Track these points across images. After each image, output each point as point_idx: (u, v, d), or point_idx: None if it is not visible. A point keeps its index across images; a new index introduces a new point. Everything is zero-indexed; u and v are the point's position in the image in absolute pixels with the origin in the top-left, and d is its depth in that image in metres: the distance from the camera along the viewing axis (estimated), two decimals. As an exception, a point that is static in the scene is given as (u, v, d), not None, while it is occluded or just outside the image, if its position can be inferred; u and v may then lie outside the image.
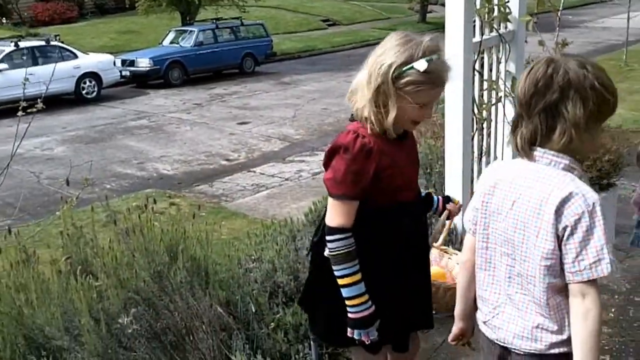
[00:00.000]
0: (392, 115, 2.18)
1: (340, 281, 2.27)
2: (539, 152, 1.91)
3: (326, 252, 2.31)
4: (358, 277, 2.27)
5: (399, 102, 2.18)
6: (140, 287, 2.97)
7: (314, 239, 2.52)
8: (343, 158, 2.22)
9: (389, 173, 2.27)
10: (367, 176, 2.23)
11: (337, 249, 2.26)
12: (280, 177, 10.50)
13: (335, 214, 2.27)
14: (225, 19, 22.62)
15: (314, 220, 4.24)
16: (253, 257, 4.07)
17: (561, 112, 1.85)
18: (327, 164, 2.30)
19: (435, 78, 2.18)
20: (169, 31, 22.14)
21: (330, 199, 2.29)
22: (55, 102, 15.85)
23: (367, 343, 2.33)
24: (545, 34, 4.44)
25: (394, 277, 2.38)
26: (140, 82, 20.04)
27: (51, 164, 11.90)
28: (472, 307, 2.20)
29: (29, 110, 4.59)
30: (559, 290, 1.91)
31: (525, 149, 1.92)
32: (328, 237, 2.27)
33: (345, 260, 2.25)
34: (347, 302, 2.29)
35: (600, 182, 5.14)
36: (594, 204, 1.82)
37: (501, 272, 2.03)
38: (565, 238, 1.84)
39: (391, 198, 2.33)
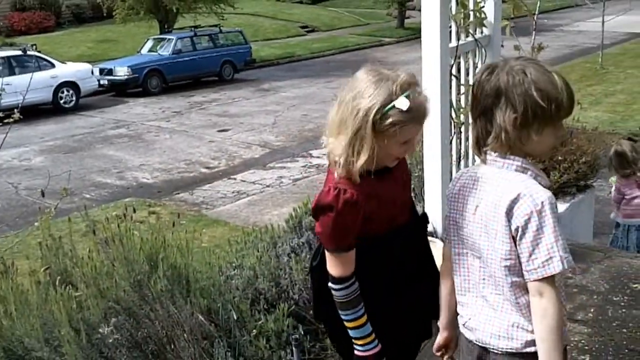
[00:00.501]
0: (361, 160, 2.10)
1: (347, 324, 2.30)
2: (491, 155, 1.97)
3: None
4: (363, 320, 2.27)
5: (380, 142, 2.09)
6: (121, 296, 2.95)
7: (313, 263, 2.49)
8: (329, 216, 2.17)
9: (377, 211, 2.24)
10: (356, 225, 2.21)
11: (340, 298, 2.27)
12: (261, 184, 10.51)
13: (334, 265, 2.26)
14: (204, 27, 22.59)
15: (295, 226, 4.24)
16: (234, 265, 4.06)
17: (494, 117, 1.91)
18: (315, 217, 2.26)
19: (418, 114, 2.10)
20: (147, 39, 22.06)
21: (327, 252, 2.28)
22: (32, 112, 15.74)
23: None
24: (521, 38, 4.49)
25: (387, 299, 2.37)
26: (118, 90, 19.94)
27: (29, 175, 11.81)
28: (455, 316, 2.22)
29: (5, 121, 4.56)
30: (526, 289, 1.94)
31: (475, 152, 2.04)
32: (332, 286, 2.28)
33: (348, 307, 2.26)
34: (354, 342, 2.31)
35: (577, 184, 5.21)
36: (542, 202, 1.85)
37: (475, 276, 2.07)
38: (518, 238, 1.89)
39: (385, 227, 2.31)
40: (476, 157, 4.51)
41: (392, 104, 2.04)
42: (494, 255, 1.96)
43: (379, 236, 2.30)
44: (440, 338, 2.30)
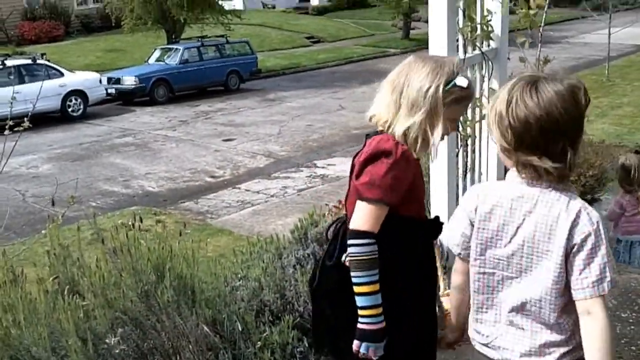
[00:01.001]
0: (439, 132, 2.28)
1: (357, 288, 2.23)
2: (533, 174, 1.92)
3: (345, 258, 2.31)
4: (377, 287, 2.23)
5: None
6: (128, 306, 2.97)
7: (328, 262, 2.44)
8: (384, 162, 2.22)
9: (419, 184, 2.36)
10: (406, 182, 2.26)
11: (361, 254, 2.22)
12: (265, 194, 10.52)
13: (366, 219, 2.24)
14: (211, 37, 22.68)
15: (300, 237, 4.25)
16: (239, 275, 4.07)
17: (563, 133, 1.86)
18: (362, 170, 2.28)
19: (472, 91, 2.37)
20: (155, 49, 22.17)
21: (362, 203, 2.25)
22: (41, 120, 15.80)
23: (373, 359, 2.27)
24: (527, 50, 4.51)
25: (406, 294, 2.37)
26: (126, 99, 20.03)
27: (37, 182, 11.85)
28: (466, 319, 2.27)
29: (16, 129, 4.59)
30: (567, 307, 1.95)
31: (534, 174, 1.91)
32: (353, 241, 2.23)
33: (367, 267, 2.21)
34: (360, 312, 2.25)
35: (584, 198, 5.19)
36: (597, 222, 1.88)
37: (502, 295, 2.03)
38: (572, 256, 1.89)
39: (414, 212, 2.37)
40: (483, 170, 4.52)
41: (453, 82, 2.25)
42: (541, 277, 1.93)
43: (408, 220, 2.34)
44: (450, 336, 2.39)
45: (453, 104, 2.27)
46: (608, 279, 1.87)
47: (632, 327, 3.90)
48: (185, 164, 12.76)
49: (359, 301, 2.24)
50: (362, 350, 2.25)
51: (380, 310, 2.24)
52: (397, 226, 2.30)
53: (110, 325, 2.93)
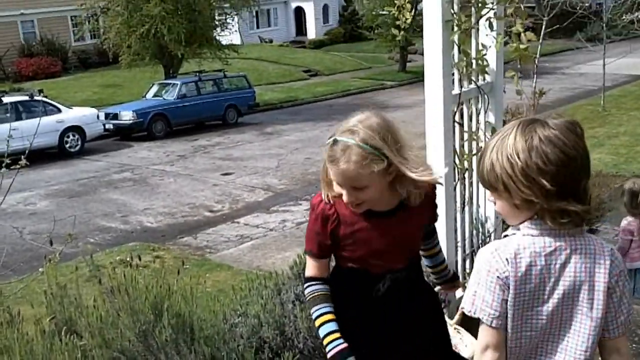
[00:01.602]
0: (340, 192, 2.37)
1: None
2: (561, 225, 1.86)
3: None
4: (324, 318, 2.39)
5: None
6: (126, 346, 2.94)
7: None
8: (310, 216, 2.42)
9: (349, 243, 2.39)
10: (325, 239, 2.38)
11: (306, 295, 2.47)
12: (264, 228, 10.50)
13: (308, 266, 2.49)
14: (208, 72, 22.85)
15: (299, 273, 4.22)
16: (238, 312, 4.04)
17: (585, 170, 1.84)
18: None
19: (331, 153, 2.26)
20: (152, 84, 22.31)
21: None
22: (38, 156, 15.84)
23: None
24: (523, 81, 4.53)
25: (367, 344, 2.45)
26: (123, 135, 20.11)
27: (34, 219, 11.83)
28: None
29: (12, 167, 4.59)
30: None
31: (554, 218, 1.84)
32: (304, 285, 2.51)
33: (310, 305, 2.43)
34: (322, 342, 2.42)
35: (582, 229, 5.18)
36: (622, 260, 1.90)
37: (545, 352, 1.96)
38: (609, 297, 1.88)
39: (358, 265, 2.44)
40: (481, 202, 4.51)
41: (332, 139, 2.25)
42: (588, 326, 1.88)
43: (354, 271, 2.44)
44: None
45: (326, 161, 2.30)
46: (632, 313, 1.91)
47: (633, 358, 3.88)
48: (183, 198, 12.75)
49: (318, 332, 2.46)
50: None
51: (332, 337, 2.37)
52: (337, 277, 2.49)
53: (108, 365, 2.91)
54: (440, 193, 4.01)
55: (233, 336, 3.66)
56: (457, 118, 4.20)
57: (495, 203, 1.96)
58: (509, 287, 1.86)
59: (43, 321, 3.13)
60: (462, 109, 4.31)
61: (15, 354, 2.71)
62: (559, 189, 1.78)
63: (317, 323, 2.40)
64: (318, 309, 2.40)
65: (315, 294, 2.42)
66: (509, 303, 1.88)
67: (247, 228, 10.58)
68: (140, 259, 5.21)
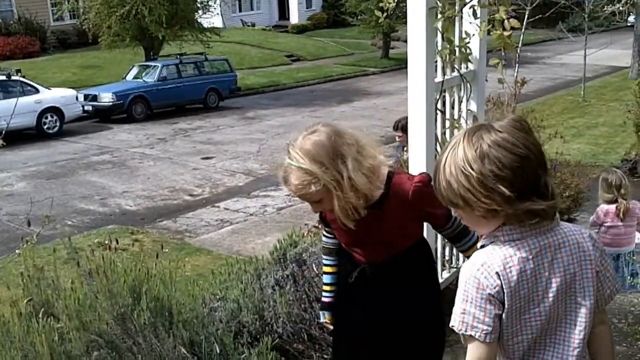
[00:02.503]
0: None
1: None
2: (540, 225, 1.85)
3: None
4: (324, 269, 3.02)
5: None
6: (103, 329, 2.92)
7: None
8: None
9: (334, 228, 2.78)
10: (323, 216, 2.81)
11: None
12: (244, 212, 10.47)
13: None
14: (189, 54, 22.67)
15: (279, 258, 4.23)
16: (217, 296, 4.04)
17: (542, 166, 1.80)
18: None
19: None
20: (133, 66, 22.10)
21: None
22: (16, 137, 15.64)
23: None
24: (504, 70, 4.54)
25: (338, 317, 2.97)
26: (103, 116, 19.91)
27: (11, 200, 11.70)
28: None
29: (-11, 148, 4.53)
30: None
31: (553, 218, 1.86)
32: None
33: (322, 253, 3.04)
34: None
35: (562, 219, 5.22)
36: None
37: (543, 349, 1.94)
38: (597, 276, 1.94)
39: (347, 249, 2.81)
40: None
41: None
42: (578, 314, 1.89)
43: (346, 252, 2.84)
44: None
45: None
46: (617, 287, 1.97)
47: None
48: (163, 182, 12.67)
49: None
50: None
51: (324, 288, 3.02)
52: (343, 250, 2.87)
53: (86, 348, 2.89)
54: (421, 180, 4.01)
55: (212, 320, 3.66)
56: (439, 106, 4.20)
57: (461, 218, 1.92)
58: (502, 301, 1.82)
59: (20, 303, 3.09)
60: (444, 97, 4.31)
61: (-9, 335, 2.69)
62: (519, 192, 1.73)
63: (323, 270, 3.02)
64: (323, 260, 3.02)
65: (324, 245, 3.00)
66: (504, 315, 1.83)
67: (227, 212, 10.55)
68: (118, 242, 5.19)
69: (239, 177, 12.87)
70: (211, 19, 26.92)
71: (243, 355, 3.40)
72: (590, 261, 1.87)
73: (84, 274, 3.09)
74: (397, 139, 6.82)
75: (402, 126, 6.40)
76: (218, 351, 3.34)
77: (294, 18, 44.40)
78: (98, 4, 22.70)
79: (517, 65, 7.23)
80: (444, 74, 4.18)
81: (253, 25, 41.73)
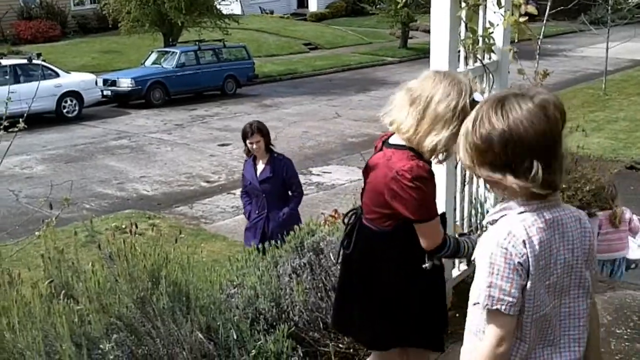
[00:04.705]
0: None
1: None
2: (549, 200, 1.92)
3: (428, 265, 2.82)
4: (451, 250, 2.90)
5: None
6: (123, 312, 2.94)
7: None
8: (425, 186, 2.68)
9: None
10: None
11: (447, 255, 2.89)
12: (261, 200, 10.47)
13: (435, 233, 2.81)
14: (208, 41, 22.69)
15: (297, 246, 4.22)
16: (234, 283, 4.05)
17: (530, 149, 1.83)
18: (407, 191, 2.67)
19: None
20: (151, 52, 22.14)
21: (422, 225, 2.76)
22: (36, 121, 15.74)
23: None
24: (525, 62, 4.50)
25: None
26: (121, 102, 20.00)
27: (30, 183, 11.80)
28: None
29: (11, 130, 4.56)
30: None
31: (552, 193, 1.90)
32: (435, 254, 2.80)
33: (455, 254, 2.94)
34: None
35: (580, 213, 5.17)
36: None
37: (555, 325, 1.97)
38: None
39: None
40: (481, 182, 4.50)
41: (472, 97, 2.57)
42: (585, 287, 2.01)
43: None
44: None
45: None
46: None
47: (627, 343, 3.90)
48: (180, 168, 12.72)
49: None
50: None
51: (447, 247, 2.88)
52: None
53: (105, 330, 2.91)
54: (441, 172, 3.99)
55: (229, 306, 3.67)
56: (461, 96, 4.16)
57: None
58: (527, 271, 1.86)
59: (40, 284, 3.12)
60: (466, 87, 4.28)
61: (14, 315, 2.71)
62: (491, 161, 1.86)
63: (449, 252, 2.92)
64: (446, 247, 2.89)
65: (449, 245, 2.90)
66: (529, 285, 1.87)
67: (244, 199, 10.56)
68: (136, 227, 5.22)
69: (255, 164, 12.87)
70: (230, 6, 26.97)
71: (259, 342, 3.41)
72: (589, 237, 1.97)
73: (104, 257, 3.11)
74: None
75: None
76: (235, 337, 3.36)
77: (313, 6, 44.22)
78: (118, -11, 22.76)
79: (537, 56, 7.15)
80: (466, 64, 4.15)
81: (271, 12, 41.65)
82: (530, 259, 1.85)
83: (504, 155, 1.82)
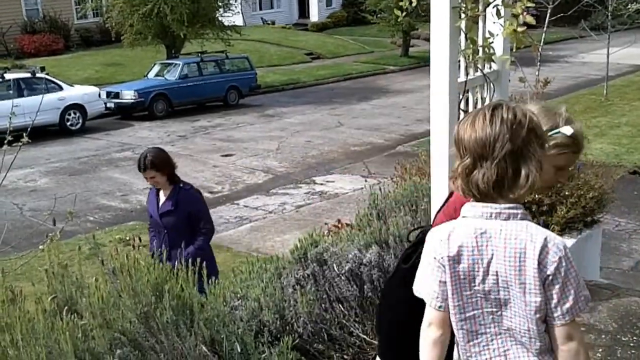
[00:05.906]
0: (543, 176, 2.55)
1: None
2: (493, 208, 1.94)
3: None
4: None
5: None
6: (127, 327, 2.95)
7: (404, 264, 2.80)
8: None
9: None
10: None
11: None
12: (264, 210, 10.50)
13: None
14: (210, 52, 22.76)
15: (300, 257, 4.22)
16: (238, 295, 4.05)
17: (527, 154, 1.90)
18: None
19: (575, 140, 2.42)
20: (154, 64, 22.22)
21: None
22: (39, 134, 15.79)
23: None
24: (526, 69, 4.51)
25: None
26: (124, 114, 20.06)
27: (34, 196, 11.83)
28: None
29: (14, 144, 4.58)
30: (544, 332, 1.96)
31: (490, 194, 1.93)
32: None
33: None
34: None
35: (584, 220, 5.18)
36: (564, 247, 1.90)
37: (491, 332, 2.01)
38: (547, 285, 1.89)
39: None
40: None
41: (558, 130, 2.41)
42: (520, 309, 1.93)
43: None
44: None
45: (554, 149, 2.36)
46: (582, 297, 1.92)
47: (633, 351, 3.88)
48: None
49: None
50: None
51: None
52: None
53: (109, 346, 2.91)
54: (443, 181, 3.99)
55: (233, 319, 3.67)
56: (462, 105, 4.17)
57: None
58: (444, 268, 1.97)
59: (44, 299, 3.12)
60: (467, 97, 4.28)
61: (17, 332, 2.71)
62: (466, 165, 1.95)
63: None
64: None
65: None
66: (447, 283, 1.98)
67: (247, 210, 10.59)
68: (140, 240, 5.22)
69: (258, 174, 12.90)
70: (232, 17, 26.99)
71: (264, 355, 3.41)
72: (531, 260, 1.87)
73: (107, 272, 3.11)
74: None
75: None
76: (239, 350, 3.35)
77: (314, 16, 44.34)
78: (121, 2, 22.84)
79: (538, 63, 7.17)
80: (467, 73, 4.15)
81: (273, 23, 41.75)
82: (445, 257, 1.97)
83: (472, 158, 1.95)
